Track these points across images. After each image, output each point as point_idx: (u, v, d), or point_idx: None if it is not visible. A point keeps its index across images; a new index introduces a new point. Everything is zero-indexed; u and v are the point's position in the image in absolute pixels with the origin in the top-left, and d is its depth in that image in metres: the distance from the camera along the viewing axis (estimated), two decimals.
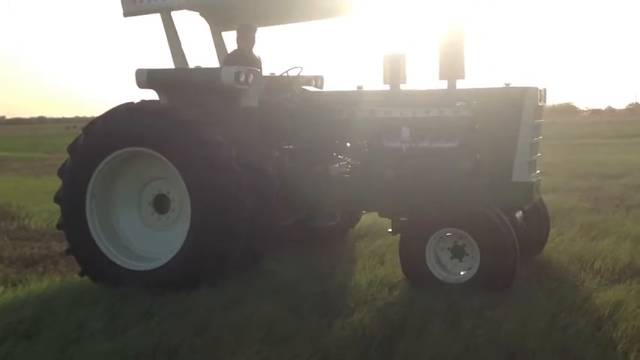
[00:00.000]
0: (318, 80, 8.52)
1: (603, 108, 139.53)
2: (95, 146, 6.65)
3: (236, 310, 5.53)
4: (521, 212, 6.99)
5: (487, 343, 4.74)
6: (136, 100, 6.88)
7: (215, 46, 8.36)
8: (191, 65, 7.42)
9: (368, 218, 8.82)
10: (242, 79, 6.83)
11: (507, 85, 6.68)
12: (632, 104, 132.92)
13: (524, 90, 6.54)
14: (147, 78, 7.08)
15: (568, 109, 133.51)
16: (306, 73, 8.37)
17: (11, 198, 12.94)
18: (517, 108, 6.50)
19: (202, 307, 5.61)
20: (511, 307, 5.41)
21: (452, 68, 6.70)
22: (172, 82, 7.17)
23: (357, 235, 8.69)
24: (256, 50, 7.96)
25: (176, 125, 6.35)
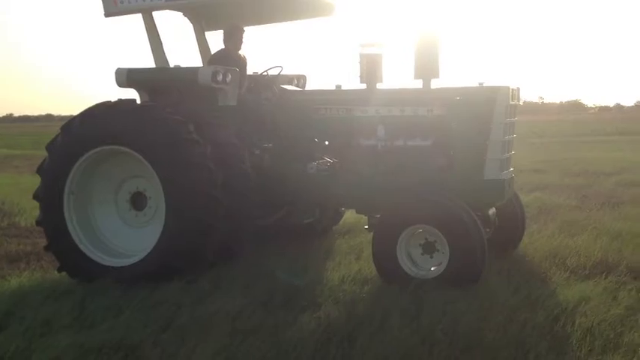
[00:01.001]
0: (300, 79, 8.64)
1: (611, 105, 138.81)
2: (72, 144, 6.80)
3: (204, 304, 5.65)
4: (494, 209, 7.09)
5: (445, 337, 4.83)
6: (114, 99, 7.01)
7: (198, 45, 8.49)
8: (173, 64, 7.54)
9: (352, 215, 8.93)
10: (219, 78, 6.95)
11: (481, 84, 6.78)
12: None
13: (496, 89, 6.63)
14: (126, 77, 7.22)
15: (576, 107, 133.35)
16: (289, 72, 8.53)
17: (6, 195, 13.07)
18: (489, 107, 6.60)
19: (171, 301, 5.74)
20: (474, 301, 5.50)
21: (427, 68, 6.80)
22: (151, 81, 7.31)
23: (339, 232, 8.82)
24: (242, 51, 8.07)
25: (151, 124, 6.49)
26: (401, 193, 6.62)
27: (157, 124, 6.48)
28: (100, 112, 6.78)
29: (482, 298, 5.63)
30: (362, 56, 6.99)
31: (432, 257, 6.38)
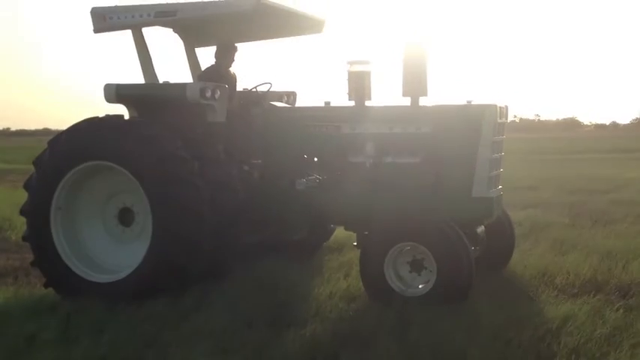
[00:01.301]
0: (290, 96, 8.64)
1: (607, 123, 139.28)
2: (59, 160, 6.79)
3: (189, 321, 5.64)
4: (482, 227, 7.08)
5: (430, 354, 4.83)
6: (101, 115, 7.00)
7: (188, 61, 8.49)
8: (163, 80, 7.54)
9: (343, 232, 8.88)
10: (208, 94, 6.94)
11: (469, 102, 6.79)
12: (636, 119, 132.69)
13: (484, 107, 6.64)
14: (115, 93, 7.20)
15: (572, 124, 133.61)
16: (280, 88, 8.54)
17: None
18: (476, 125, 6.61)
19: (156, 318, 5.73)
20: (460, 319, 5.48)
21: (415, 86, 6.80)
22: (140, 96, 7.30)
23: (330, 249, 8.79)
24: (232, 68, 8.08)
25: (138, 140, 6.49)
26: (389, 211, 6.61)
27: (143, 141, 6.48)
28: (86, 128, 6.77)
29: (469, 316, 5.61)
30: (350, 74, 7.01)
31: (420, 275, 6.36)
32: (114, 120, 6.81)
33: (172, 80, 7.45)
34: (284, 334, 5.38)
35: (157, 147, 6.45)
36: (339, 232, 8.96)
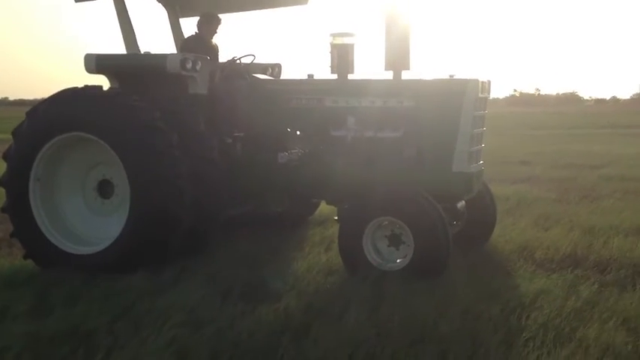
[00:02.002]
0: (275, 68, 8.59)
1: (608, 98, 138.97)
2: (38, 130, 6.76)
3: (164, 295, 5.63)
4: (463, 202, 7.08)
5: (400, 328, 4.84)
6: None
7: (172, 31, 8.44)
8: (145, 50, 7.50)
9: (328, 206, 8.90)
10: (189, 65, 6.90)
11: (451, 76, 6.75)
12: (636, 94, 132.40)
13: (465, 82, 6.61)
14: (95, 63, 7.16)
15: (572, 99, 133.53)
16: (265, 60, 8.50)
17: None
18: (458, 99, 6.58)
19: (132, 291, 5.73)
20: (434, 294, 5.49)
21: (397, 59, 6.76)
22: (120, 67, 7.26)
23: (314, 222, 8.81)
24: (215, 40, 8.04)
25: (115, 110, 6.45)
26: (368, 185, 6.60)
27: (121, 111, 6.44)
28: (65, 98, 6.73)
29: (442, 290, 5.62)
30: (333, 46, 6.96)
31: (398, 249, 6.36)
32: (91, 90, 6.75)
33: (159, 51, 7.41)
34: (258, 307, 5.38)
35: (135, 118, 6.41)
36: (324, 207, 8.95)
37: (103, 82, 7.33)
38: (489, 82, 7.02)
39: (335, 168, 7.01)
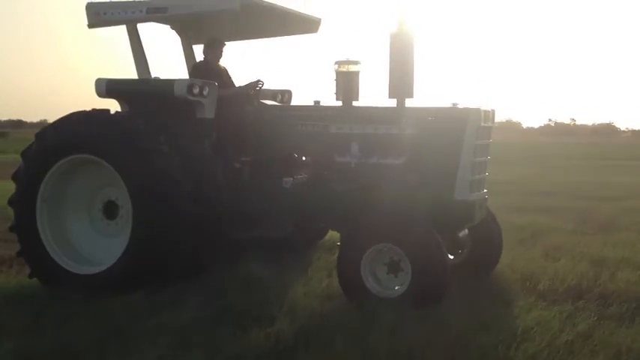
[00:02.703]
0: (285, 94, 8.69)
1: None
2: (45, 152, 6.93)
3: (159, 315, 5.70)
4: (466, 231, 7.07)
5: (387, 355, 4.84)
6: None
7: (185, 57, 8.60)
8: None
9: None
10: (196, 91, 7.02)
11: (454, 105, 6.77)
12: None
13: (467, 111, 6.63)
14: (106, 88, 7.33)
15: (608, 130, 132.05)
16: (276, 87, 8.60)
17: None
18: (460, 128, 6.60)
19: (128, 311, 5.80)
20: (426, 322, 5.48)
21: (401, 87, 6.81)
22: (129, 92, 7.42)
23: (323, 247, 8.82)
24: (222, 62, 8.16)
25: (120, 134, 6.60)
26: (368, 211, 6.62)
27: (125, 135, 6.58)
28: (72, 121, 6.91)
29: (436, 319, 5.59)
30: (338, 73, 7.03)
31: (396, 277, 6.35)
32: (98, 114, 6.92)
33: (175, 76, 7.55)
34: (249, 330, 5.42)
35: (137, 141, 6.55)
36: (334, 232, 8.99)
37: (114, 105, 7.51)
38: (493, 111, 7.03)
39: (338, 194, 7.05)
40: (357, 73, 7.06)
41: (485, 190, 7.13)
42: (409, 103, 6.92)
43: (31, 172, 6.97)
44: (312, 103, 7.47)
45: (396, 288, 6.32)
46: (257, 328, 5.47)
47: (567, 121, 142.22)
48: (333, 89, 7.11)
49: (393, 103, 6.92)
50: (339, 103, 7.13)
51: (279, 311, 5.97)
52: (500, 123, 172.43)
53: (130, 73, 7.81)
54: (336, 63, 7.05)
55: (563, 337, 5.26)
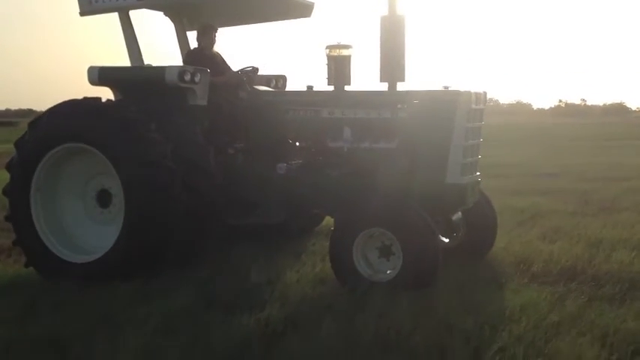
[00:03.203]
0: (280, 80, 8.69)
1: None
2: (38, 141, 6.95)
3: (150, 302, 5.74)
4: (459, 214, 7.07)
5: (371, 339, 4.86)
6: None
7: (179, 44, 8.58)
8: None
9: None
10: (187, 78, 7.02)
11: (445, 88, 6.75)
12: None
13: (457, 93, 6.60)
14: (98, 76, 7.34)
15: (620, 110, 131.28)
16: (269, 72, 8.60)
17: None
18: (451, 111, 6.58)
19: (118, 299, 5.85)
20: (415, 305, 5.49)
21: (392, 71, 6.80)
22: (121, 80, 7.43)
23: (320, 233, 8.83)
24: (216, 48, 8.17)
25: (111, 122, 6.61)
26: (359, 195, 6.63)
27: (116, 122, 6.59)
28: (64, 110, 6.92)
29: (426, 302, 5.61)
30: (329, 58, 7.02)
31: (388, 260, 6.36)
32: (90, 102, 6.92)
33: (172, 63, 7.55)
34: (239, 316, 5.45)
35: (129, 129, 6.55)
36: (330, 218, 9.00)
37: (107, 93, 7.54)
38: (485, 93, 7.00)
39: (331, 179, 7.06)
40: (348, 58, 7.05)
41: (478, 173, 7.11)
42: (401, 86, 6.92)
43: (25, 161, 7.00)
44: (305, 89, 7.48)
45: (388, 272, 6.33)
46: (247, 313, 5.49)
47: (578, 102, 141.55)
48: (325, 74, 7.11)
49: (384, 87, 6.91)
50: (331, 88, 7.13)
51: (271, 296, 6.00)
52: (511, 104, 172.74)
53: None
54: (327, 47, 7.03)
55: (551, 319, 5.25)
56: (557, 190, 13.77)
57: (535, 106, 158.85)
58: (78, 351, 4.76)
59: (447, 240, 7.55)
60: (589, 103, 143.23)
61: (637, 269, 6.87)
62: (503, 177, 16.17)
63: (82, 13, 7.59)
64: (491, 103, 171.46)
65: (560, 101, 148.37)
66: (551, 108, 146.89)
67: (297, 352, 4.67)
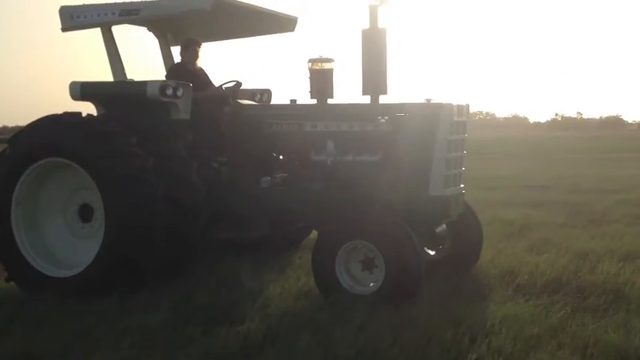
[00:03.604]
0: (264, 94, 8.67)
1: None
2: (18, 156, 6.91)
3: (128, 318, 5.69)
4: (444, 226, 7.04)
5: (349, 352, 4.81)
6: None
7: (163, 59, 8.57)
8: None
9: None
10: (169, 92, 7.01)
11: (427, 100, 6.75)
12: None
13: (440, 106, 6.60)
14: (80, 91, 7.34)
15: (616, 122, 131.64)
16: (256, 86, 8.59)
17: None
18: (432, 124, 6.58)
19: (99, 314, 5.80)
20: (396, 318, 5.46)
21: (374, 84, 6.80)
22: (104, 94, 7.43)
23: (305, 247, 8.78)
24: (200, 63, 8.16)
25: (91, 136, 6.58)
26: (341, 208, 6.60)
27: (96, 137, 6.56)
28: (44, 125, 6.90)
29: (406, 315, 5.56)
30: (312, 71, 7.03)
31: (371, 273, 6.32)
32: (69, 117, 6.89)
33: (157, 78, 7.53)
34: (218, 330, 5.40)
35: (109, 143, 6.53)
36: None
37: (89, 108, 7.53)
38: (467, 105, 6.98)
39: (314, 192, 7.04)
40: (330, 71, 7.06)
41: (462, 186, 7.09)
42: (383, 99, 6.91)
43: (5, 176, 6.96)
44: (286, 102, 7.48)
45: (371, 285, 6.29)
46: (227, 327, 5.46)
47: (574, 115, 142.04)
48: (308, 87, 7.11)
49: (367, 99, 6.91)
50: (314, 101, 7.13)
51: (252, 310, 5.96)
52: (507, 118, 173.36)
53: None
54: (310, 61, 7.05)
55: (532, 331, 5.23)
56: (549, 202, 13.79)
57: (531, 120, 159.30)
58: None
59: (432, 252, 7.57)
60: (585, 116, 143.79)
61: (622, 280, 6.83)
62: (494, 189, 16.19)
63: (64, 29, 7.59)
64: (488, 117, 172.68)
65: (557, 114, 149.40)
66: (547, 121, 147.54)
67: None
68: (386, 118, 6.80)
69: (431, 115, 6.59)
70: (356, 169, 6.93)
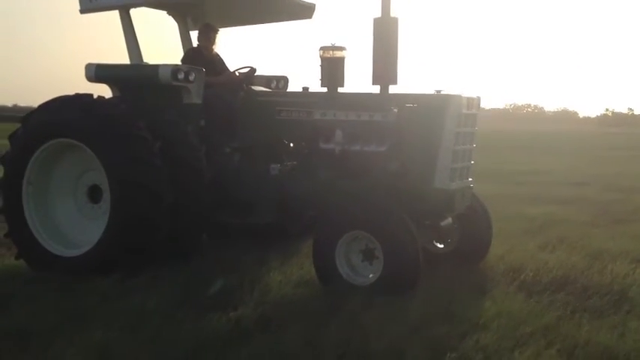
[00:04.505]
0: (281, 81, 8.67)
1: None
2: (30, 136, 7.05)
3: (125, 299, 5.76)
4: (450, 220, 6.97)
5: (335, 343, 4.81)
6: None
7: (182, 43, 8.63)
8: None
9: None
10: (181, 76, 7.06)
11: (437, 92, 6.67)
12: None
13: (448, 97, 6.53)
14: (95, 73, 7.43)
15: None
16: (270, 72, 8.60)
17: None
18: (440, 115, 6.50)
19: (95, 294, 5.89)
20: (387, 310, 5.42)
21: (384, 74, 6.74)
22: (117, 77, 7.51)
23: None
24: (217, 49, 8.19)
25: (99, 118, 6.67)
26: (345, 198, 6.58)
27: (104, 119, 6.65)
28: (55, 106, 7.00)
29: (399, 308, 5.52)
30: (323, 60, 6.98)
31: (371, 264, 6.30)
32: (81, 98, 6.99)
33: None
34: (210, 315, 5.42)
35: (117, 126, 6.61)
36: None
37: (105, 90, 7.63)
38: (478, 98, 6.89)
39: (321, 181, 7.03)
40: (342, 59, 7.00)
41: (470, 179, 7.01)
42: (393, 89, 6.85)
43: (17, 155, 7.09)
44: (301, 90, 7.47)
45: (370, 276, 6.26)
46: (220, 313, 5.47)
47: (625, 111, 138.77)
48: (319, 75, 7.08)
49: (377, 89, 6.85)
50: (325, 90, 7.10)
51: (250, 296, 5.97)
52: (556, 112, 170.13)
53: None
54: (321, 49, 6.99)
55: (524, 329, 5.15)
56: (579, 199, 13.54)
57: (581, 115, 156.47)
58: (40, 343, 4.78)
59: (440, 245, 7.51)
60: (637, 112, 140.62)
61: (630, 282, 6.69)
62: (525, 184, 16.01)
63: (83, 11, 7.69)
64: (536, 111, 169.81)
65: (607, 110, 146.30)
66: (597, 117, 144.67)
67: (259, 354, 4.63)
68: (396, 108, 6.74)
69: (438, 106, 6.52)
70: (363, 159, 6.89)
